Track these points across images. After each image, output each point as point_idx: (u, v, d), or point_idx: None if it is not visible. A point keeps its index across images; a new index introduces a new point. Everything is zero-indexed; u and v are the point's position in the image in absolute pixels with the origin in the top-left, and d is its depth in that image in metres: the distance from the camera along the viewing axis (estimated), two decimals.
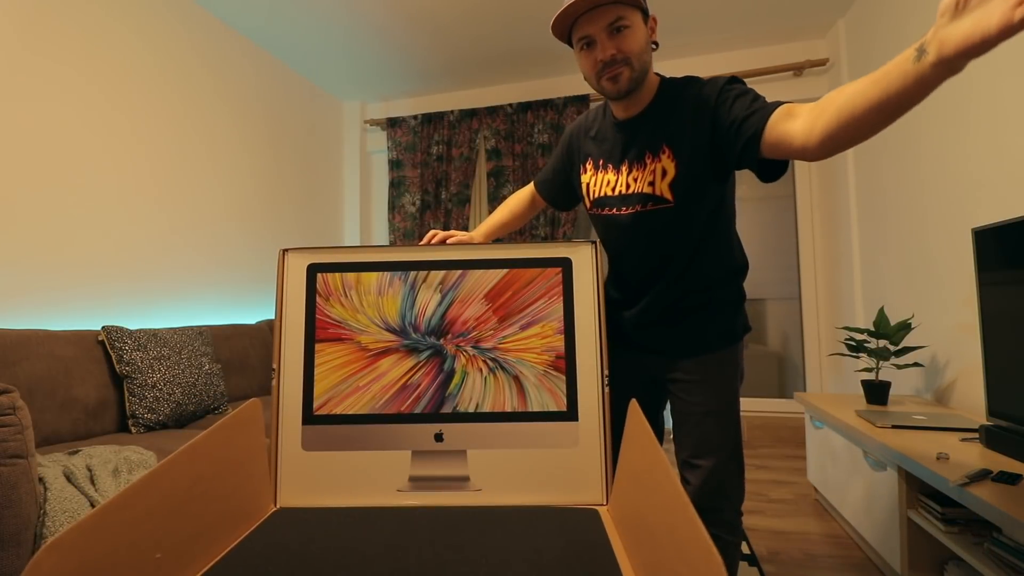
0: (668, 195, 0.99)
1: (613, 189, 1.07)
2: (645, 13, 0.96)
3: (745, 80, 2.85)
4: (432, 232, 1.17)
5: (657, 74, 1.04)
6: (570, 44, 1.01)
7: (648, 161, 1.01)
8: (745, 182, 3.23)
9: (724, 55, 3.01)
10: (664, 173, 0.99)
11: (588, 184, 1.13)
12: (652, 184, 1.00)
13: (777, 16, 2.67)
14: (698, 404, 1.06)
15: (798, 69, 2.83)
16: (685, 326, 1.06)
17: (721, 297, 1.06)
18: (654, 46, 0.99)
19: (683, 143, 0.97)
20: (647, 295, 1.09)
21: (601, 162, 1.10)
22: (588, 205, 1.15)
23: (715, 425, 1.05)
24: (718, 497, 1.05)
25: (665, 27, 2.76)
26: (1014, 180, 1.55)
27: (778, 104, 0.85)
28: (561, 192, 1.25)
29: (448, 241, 1.15)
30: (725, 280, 1.06)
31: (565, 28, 0.98)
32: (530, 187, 1.33)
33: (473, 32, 2.82)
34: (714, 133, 0.93)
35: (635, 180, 1.03)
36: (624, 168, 1.05)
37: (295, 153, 3.22)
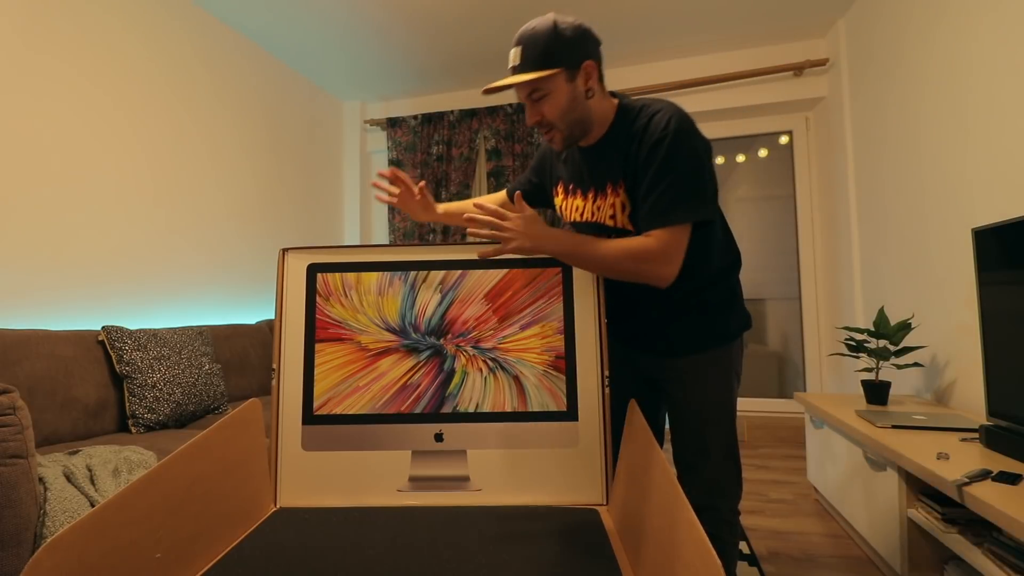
0: (629, 227, 1.00)
1: (581, 215, 1.08)
2: (573, 66, 0.94)
3: (745, 79, 2.88)
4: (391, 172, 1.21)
5: (615, 95, 1.03)
6: None
7: (609, 191, 1.01)
8: (746, 182, 3.23)
9: (724, 55, 3.01)
10: (624, 206, 0.99)
11: (561, 207, 1.15)
12: (613, 217, 1.01)
13: (777, 16, 2.67)
14: (693, 403, 1.06)
15: (798, 69, 2.83)
16: (678, 327, 1.06)
17: (711, 298, 1.05)
18: (590, 93, 0.96)
19: (634, 179, 0.97)
20: (634, 314, 1.09)
21: (571, 187, 1.11)
22: (563, 225, 1.17)
23: (710, 424, 1.05)
24: (715, 496, 1.05)
25: (665, 27, 2.76)
26: (1014, 180, 1.55)
27: (654, 220, 0.92)
28: (537, 200, 1.24)
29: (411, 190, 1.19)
30: (713, 281, 1.05)
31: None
32: (500, 195, 1.32)
33: (473, 32, 2.82)
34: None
35: (599, 209, 1.04)
36: (590, 195, 1.06)
37: (295, 153, 3.22)
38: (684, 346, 1.06)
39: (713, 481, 1.05)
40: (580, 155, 1.07)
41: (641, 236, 0.93)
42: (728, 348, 1.06)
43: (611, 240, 0.95)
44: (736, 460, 1.07)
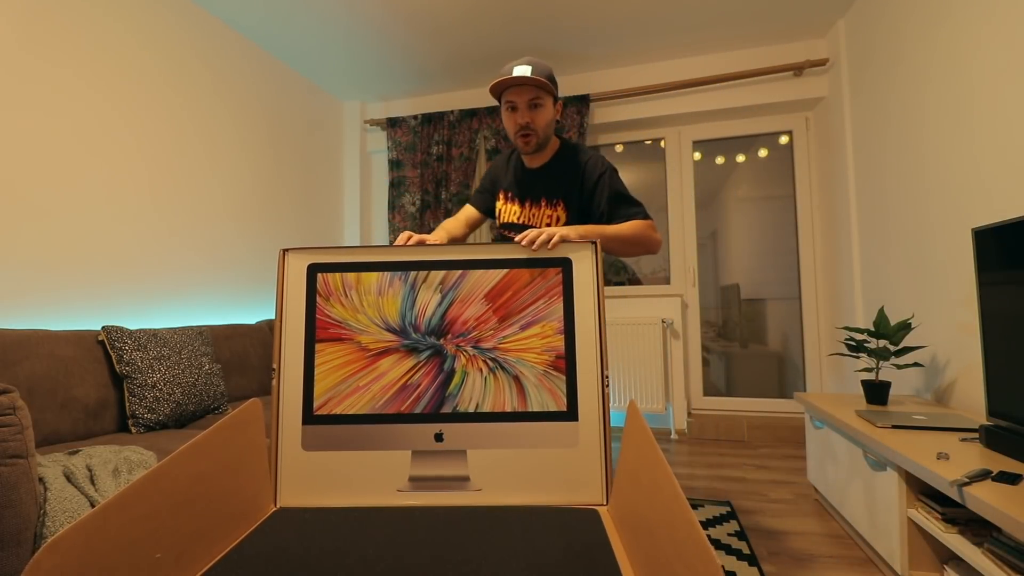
0: None
1: (518, 218, 1.44)
2: (556, 98, 1.34)
3: (745, 79, 2.89)
4: (407, 234, 1.22)
5: (559, 137, 1.41)
6: (499, 101, 1.36)
7: (544, 206, 1.38)
8: (746, 181, 3.23)
9: (724, 55, 3.01)
10: (559, 219, 1.36)
11: (500, 209, 1.50)
12: (549, 225, 1.34)
13: (777, 16, 2.67)
14: None
15: (798, 69, 2.83)
16: None
17: None
18: (556, 123, 1.37)
19: (572, 200, 1.37)
20: None
21: (511, 195, 1.46)
22: (497, 224, 1.52)
23: None
24: None
25: (665, 27, 2.76)
26: (1014, 180, 1.55)
27: (630, 214, 1.34)
28: (488, 209, 1.57)
29: (428, 242, 1.27)
30: None
31: (498, 92, 1.32)
32: (464, 212, 1.55)
33: (473, 32, 2.82)
34: (585, 204, 1.38)
35: (534, 216, 1.40)
36: (528, 205, 1.42)
37: (295, 153, 3.22)
38: None
39: None
40: (524, 174, 1.43)
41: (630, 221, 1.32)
42: None
43: (617, 224, 1.32)
44: None
